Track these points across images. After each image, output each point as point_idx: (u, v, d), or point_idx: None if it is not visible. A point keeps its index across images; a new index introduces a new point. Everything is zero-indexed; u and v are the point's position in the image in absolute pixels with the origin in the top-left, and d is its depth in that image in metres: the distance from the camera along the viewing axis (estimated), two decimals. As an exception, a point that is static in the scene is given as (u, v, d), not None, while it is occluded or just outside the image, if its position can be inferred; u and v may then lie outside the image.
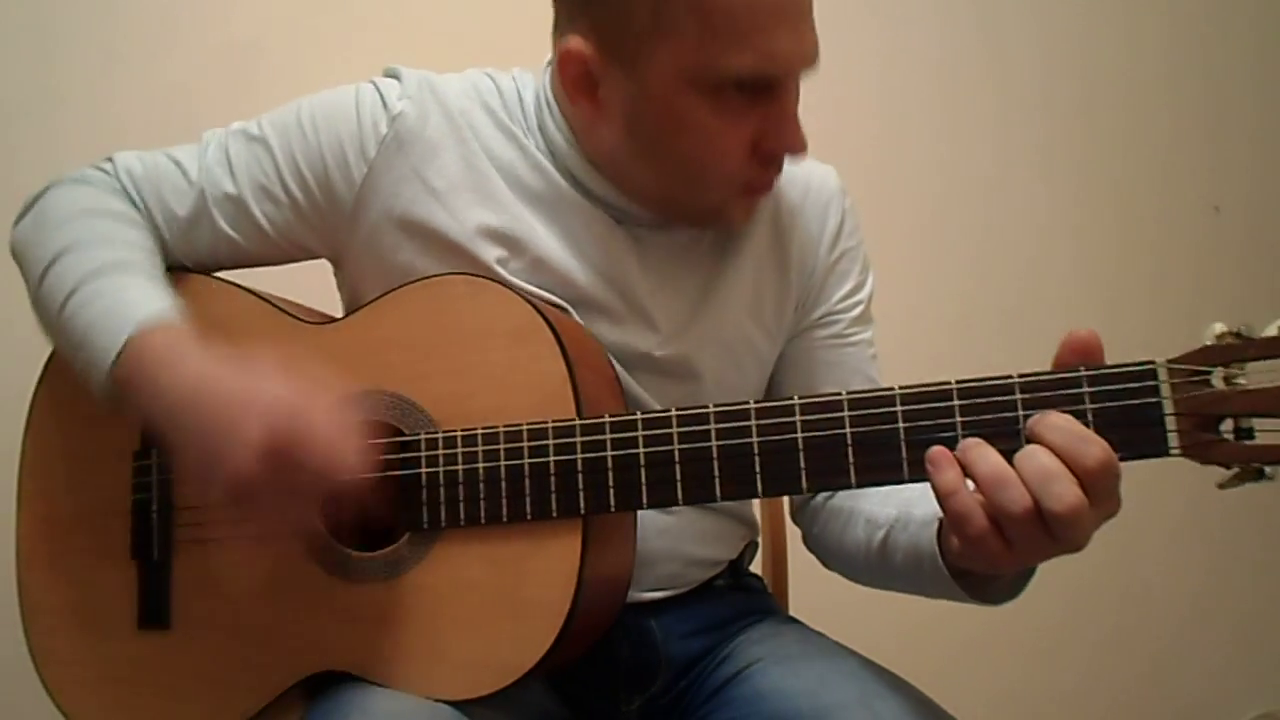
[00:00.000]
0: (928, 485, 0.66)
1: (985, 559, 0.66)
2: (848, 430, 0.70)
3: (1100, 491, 0.62)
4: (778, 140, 0.81)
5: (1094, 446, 0.62)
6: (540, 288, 0.87)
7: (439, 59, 0.94)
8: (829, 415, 0.71)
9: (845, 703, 0.81)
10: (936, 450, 0.66)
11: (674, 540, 0.93)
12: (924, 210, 1.71)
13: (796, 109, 0.80)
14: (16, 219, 0.90)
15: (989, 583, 0.75)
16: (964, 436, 0.67)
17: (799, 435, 0.71)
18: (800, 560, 1.26)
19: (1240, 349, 0.68)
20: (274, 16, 1.39)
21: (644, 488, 0.75)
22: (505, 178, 0.88)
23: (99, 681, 0.87)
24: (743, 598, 1.02)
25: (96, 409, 0.80)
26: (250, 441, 0.69)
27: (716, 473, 0.73)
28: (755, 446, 0.72)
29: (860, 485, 0.70)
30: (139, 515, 0.88)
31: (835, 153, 1.64)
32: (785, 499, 1.02)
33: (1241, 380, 0.67)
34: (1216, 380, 0.68)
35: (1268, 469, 0.66)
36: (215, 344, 0.78)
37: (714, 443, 0.73)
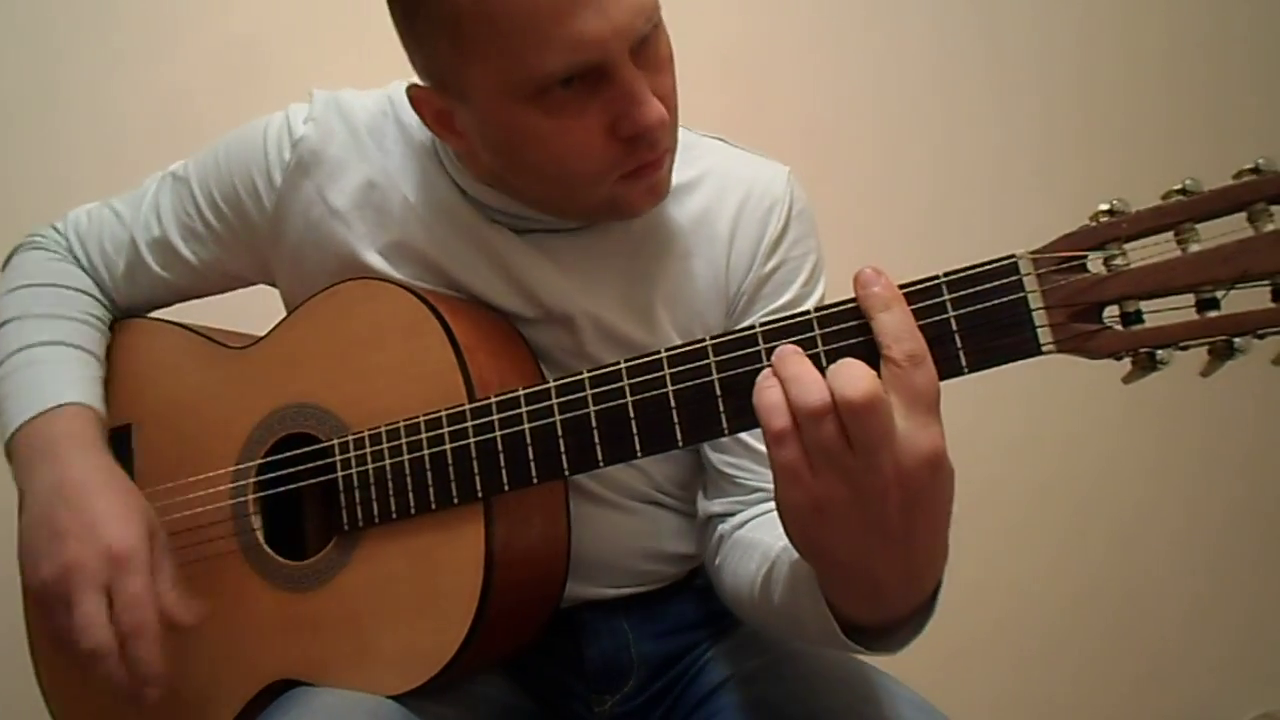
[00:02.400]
0: None
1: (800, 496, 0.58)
2: (714, 377, 0.67)
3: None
4: (628, 122, 0.73)
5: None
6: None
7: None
8: (697, 364, 0.68)
9: (836, 709, 0.77)
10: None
11: (642, 539, 0.91)
12: (922, 210, 1.64)
13: (640, 83, 0.72)
14: None
15: (875, 632, 0.65)
16: (826, 359, 0.63)
17: (669, 390, 0.69)
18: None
19: (1113, 227, 0.61)
20: (274, 16, 1.38)
21: (532, 463, 0.74)
22: (408, 196, 0.86)
23: (98, 713, 0.92)
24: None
25: None
26: (101, 540, 0.77)
27: (597, 440, 0.71)
28: (630, 409, 0.70)
29: (733, 430, 0.67)
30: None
31: (833, 152, 1.61)
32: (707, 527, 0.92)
33: (1121, 261, 0.60)
34: (1094, 265, 0.61)
35: (1159, 353, 0.59)
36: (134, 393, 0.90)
37: (591, 409, 0.72)
